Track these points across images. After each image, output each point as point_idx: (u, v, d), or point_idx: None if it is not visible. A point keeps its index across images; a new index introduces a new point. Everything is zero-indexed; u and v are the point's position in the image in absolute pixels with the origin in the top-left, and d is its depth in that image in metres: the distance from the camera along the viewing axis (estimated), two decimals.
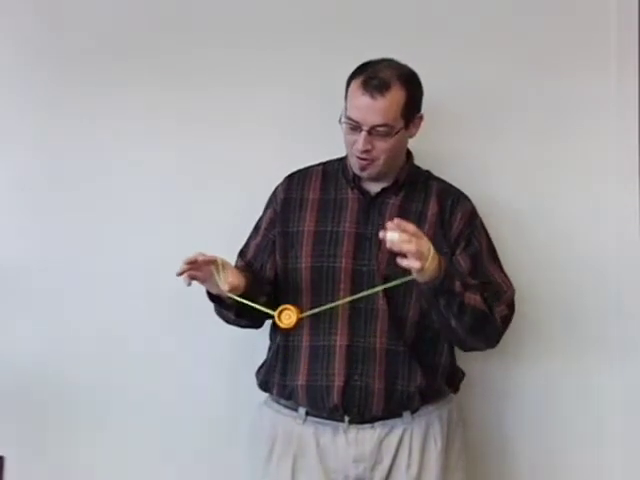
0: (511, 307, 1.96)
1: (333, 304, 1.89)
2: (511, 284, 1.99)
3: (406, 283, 1.83)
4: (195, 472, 2.33)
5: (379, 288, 1.87)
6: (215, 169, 2.34)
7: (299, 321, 1.86)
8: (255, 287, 1.91)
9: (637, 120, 2.28)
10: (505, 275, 2.00)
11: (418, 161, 2.07)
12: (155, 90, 2.34)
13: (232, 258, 2.07)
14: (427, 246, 1.75)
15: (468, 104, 2.31)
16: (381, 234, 1.74)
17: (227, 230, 2.24)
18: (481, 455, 2.24)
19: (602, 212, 2.29)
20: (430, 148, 2.23)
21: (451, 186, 2.05)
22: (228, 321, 2.00)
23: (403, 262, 1.73)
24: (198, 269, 1.82)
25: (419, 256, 1.72)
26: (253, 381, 2.07)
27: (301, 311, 1.87)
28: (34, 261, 2.37)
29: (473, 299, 1.85)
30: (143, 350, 2.33)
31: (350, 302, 1.92)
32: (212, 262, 1.83)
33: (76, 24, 2.37)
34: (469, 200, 2.03)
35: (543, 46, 2.30)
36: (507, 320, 1.95)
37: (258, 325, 2.05)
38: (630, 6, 2.29)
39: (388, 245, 1.73)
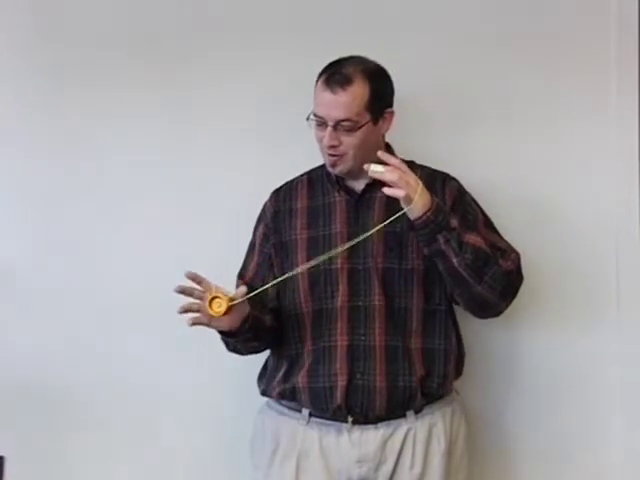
0: (517, 267, 1.95)
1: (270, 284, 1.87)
2: (515, 250, 1.98)
3: (405, 269, 1.90)
4: (197, 473, 2.34)
5: (374, 230, 1.86)
6: (213, 172, 2.35)
7: (229, 310, 1.79)
8: (258, 304, 1.90)
9: (637, 120, 2.28)
10: (507, 242, 2.00)
11: (419, 160, 2.08)
12: (154, 92, 2.35)
13: (229, 264, 2.09)
14: (414, 179, 1.80)
15: (468, 104, 2.31)
16: (365, 166, 1.79)
17: (224, 231, 2.29)
18: (482, 453, 2.24)
19: (602, 212, 2.29)
20: (432, 148, 2.25)
21: (436, 170, 2.05)
22: (246, 350, 1.99)
23: (388, 191, 1.78)
24: (199, 310, 1.80)
25: (404, 185, 1.77)
26: (253, 381, 2.07)
27: (231, 299, 1.80)
28: (34, 261, 2.37)
29: (473, 239, 1.86)
30: (144, 350, 2.33)
31: (348, 301, 1.93)
32: (206, 288, 1.80)
33: (75, 24, 2.37)
34: (456, 180, 2.04)
35: (543, 46, 2.30)
36: (513, 275, 1.93)
37: (274, 343, 2.03)
38: (630, 6, 2.29)
39: (370, 174, 1.78)
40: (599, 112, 2.29)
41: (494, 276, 1.88)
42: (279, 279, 1.88)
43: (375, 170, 1.77)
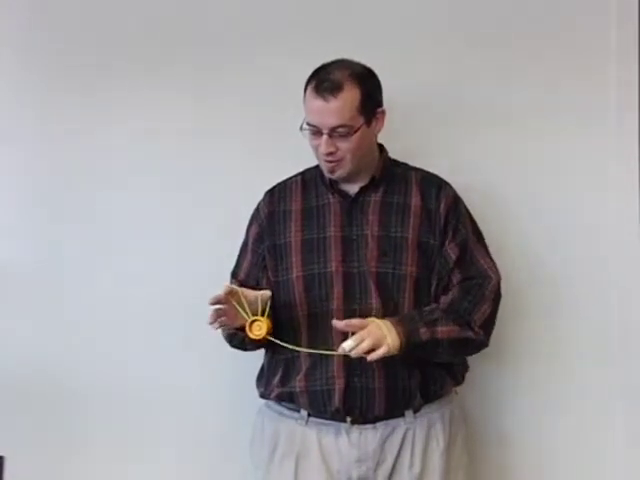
0: (496, 298, 1.98)
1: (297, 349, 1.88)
2: (497, 270, 2.00)
3: (398, 274, 1.92)
4: (197, 473, 2.33)
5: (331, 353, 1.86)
6: (212, 172, 2.34)
7: (268, 334, 1.83)
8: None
9: (637, 120, 2.28)
10: (491, 259, 2.02)
11: (414, 160, 2.08)
12: (154, 93, 2.35)
13: (227, 263, 2.10)
14: (378, 326, 1.81)
15: (466, 105, 2.31)
16: (340, 350, 1.78)
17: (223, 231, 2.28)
18: (482, 452, 2.25)
19: (602, 211, 2.28)
20: (429, 149, 2.25)
21: (430, 174, 2.05)
22: (252, 345, 1.98)
23: (373, 357, 1.78)
24: (224, 314, 1.82)
25: (380, 343, 1.78)
26: (252, 381, 2.07)
27: (272, 323, 1.85)
28: (34, 261, 2.37)
29: (446, 332, 1.88)
30: (143, 351, 2.34)
31: (344, 305, 1.93)
32: (232, 294, 1.81)
33: (76, 24, 2.37)
34: (450, 186, 2.03)
35: (543, 46, 2.30)
36: (492, 317, 1.97)
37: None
38: (630, 6, 2.28)
39: (353, 355, 1.78)
40: (599, 113, 2.29)
41: (471, 349, 1.98)
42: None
43: (349, 348, 1.77)
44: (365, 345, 1.77)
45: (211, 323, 1.81)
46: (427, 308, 1.93)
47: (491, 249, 2.05)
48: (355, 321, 1.82)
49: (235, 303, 1.82)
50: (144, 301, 2.33)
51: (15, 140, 2.37)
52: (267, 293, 1.87)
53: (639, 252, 2.27)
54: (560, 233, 2.29)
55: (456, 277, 1.96)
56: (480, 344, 1.97)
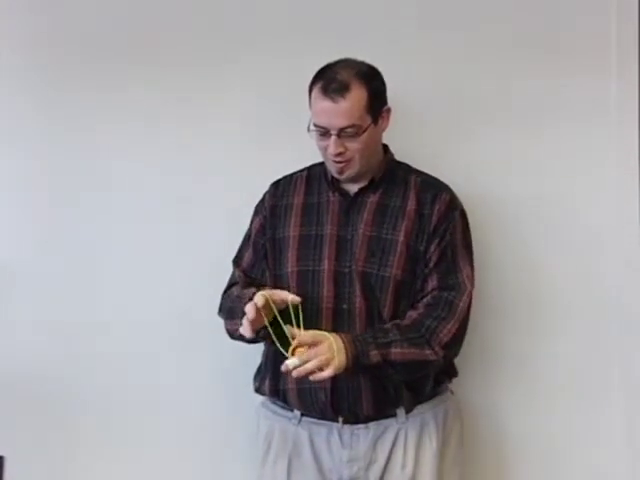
0: (464, 317, 1.93)
1: None
2: (472, 283, 1.96)
3: (382, 275, 1.90)
4: (193, 472, 2.33)
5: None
6: (213, 171, 2.35)
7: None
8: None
9: (637, 120, 2.28)
10: (471, 270, 1.97)
11: (414, 161, 2.08)
12: (154, 93, 2.35)
13: (228, 262, 2.11)
14: (329, 345, 1.79)
15: (467, 104, 2.31)
16: (283, 368, 1.77)
17: (223, 226, 2.29)
18: (478, 452, 2.25)
19: (602, 211, 2.28)
20: (430, 150, 2.25)
21: (430, 178, 2.04)
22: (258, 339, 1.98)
23: (316, 377, 1.77)
24: (255, 321, 1.81)
25: (326, 364, 1.76)
26: (251, 381, 2.08)
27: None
28: (34, 261, 2.37)
29: (400, 354, 1.86)
30: (143, 350, 2.34)
31: (335, 303, 1.93)
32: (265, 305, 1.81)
33: (76, 24, 2.37)
34: (449, 192, 2.01)
35: (543, 46, 2.30)
36: (458, 335, 1.93)
37: None
38: (630, 6, 2.28)
39: (295, 375, 1.76)
40: (599, 112, 2.28)
41: (429, 369, 1.93)
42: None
43: (293, 366, 1.75)
44: (309, 367, 1.76)
45: (250, 335, 1.82)
46: (387, 326, 1.90)
47: (489, 249, 2.05)
48: (307, 337, 1.80)
49: (263, 315, 1.81)
50: (144, 301, 2.34)
51: (15, 140, 2.37)
52: (297, 299, 1.83)
53: (639, 253, 2.27)
54: (560, 233, 2.29)
55: (432, 282, 1.93)
56: (438, 364, 1.92)
